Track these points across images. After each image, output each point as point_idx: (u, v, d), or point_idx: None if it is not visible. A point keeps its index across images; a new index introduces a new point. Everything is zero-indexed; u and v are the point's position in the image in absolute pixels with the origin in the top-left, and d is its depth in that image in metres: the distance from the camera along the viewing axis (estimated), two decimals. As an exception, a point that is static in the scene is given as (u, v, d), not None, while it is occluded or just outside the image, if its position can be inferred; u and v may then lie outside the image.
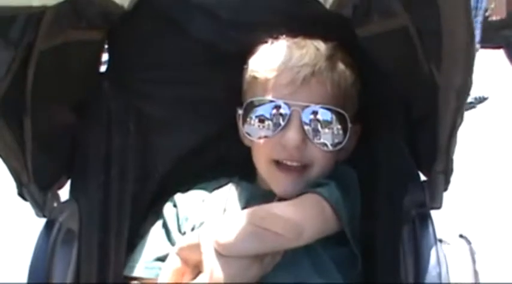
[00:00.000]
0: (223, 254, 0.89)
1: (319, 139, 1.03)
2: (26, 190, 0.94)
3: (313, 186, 1.02)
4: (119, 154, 1.13)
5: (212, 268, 0.89)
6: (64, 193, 1.07)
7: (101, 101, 1.13)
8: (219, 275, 0.88)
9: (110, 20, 1.03)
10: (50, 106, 0.99)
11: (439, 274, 0.87)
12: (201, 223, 1.04)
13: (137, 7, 1.05)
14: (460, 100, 0.79)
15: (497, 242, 2.10)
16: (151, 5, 1.10)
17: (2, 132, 0.87)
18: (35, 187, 0.95)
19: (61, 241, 0.97)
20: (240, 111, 1.09)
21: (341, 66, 1.06)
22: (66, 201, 1.06)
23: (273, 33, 1.08)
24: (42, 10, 0.83)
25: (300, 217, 0.94)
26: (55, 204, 1.01)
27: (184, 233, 1.07)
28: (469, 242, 1.04)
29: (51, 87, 0.95)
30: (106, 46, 1.13)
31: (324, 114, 1.03)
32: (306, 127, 1.02)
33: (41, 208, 0.97)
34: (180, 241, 0.99)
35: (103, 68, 1.15)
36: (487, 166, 2.67)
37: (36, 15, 0.83)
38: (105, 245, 1.10)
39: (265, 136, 1.05)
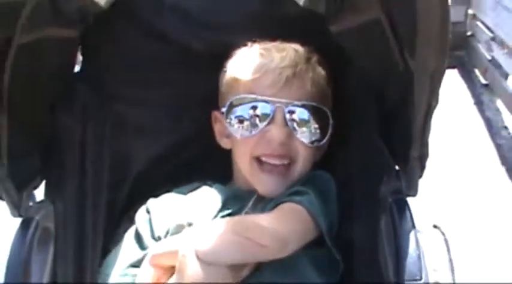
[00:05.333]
0: (202, 260, 0.87)
1: (303, 134, 1.06)
2: (1, 187, 0.93)
3: (292, 194, 1.03)
4: (94, 158, 1.12)
5: (188, 273, 0.87)
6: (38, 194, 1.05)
7: (76, 103, 1.12)
8: (193, 279, 0.87)
9: (87, 18, 1.04)
10: (26, 104, 0.98)
11: (419, 256, 0.89)
12: (176, 227, 1.03)
13: (113, 6, 1.06)
14: (434, 83, 0.81)
15: (471, 233, 2.09)
16: (126, 5, 1.10)
17: None
18: (10, 184, 0.93)
19: (38, 240, 0.96)
20: (221, 112, 1.09)
21: (318, 67, 1.10)
22: (42, 201, 1.05)
23: (246, 34, 1.10)
24: (22, 2, 0.83)
25: (285, 230, 0.94)
26: (31, 203, 1.00)
27: (158, 238, 1.05)
28: (442, 233, 1.08)
29: (27, 84, 0.95)
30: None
31: (305, 111, 1.06)
32: (290, 123, 1.05)
33: (16, 207, 0.96)
34: (155, 247, 0.97)
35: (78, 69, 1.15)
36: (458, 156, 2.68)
37: (15, 7, 0.83)
38: (81, 250, 1.08)
39: (250, 134, 1.06)
